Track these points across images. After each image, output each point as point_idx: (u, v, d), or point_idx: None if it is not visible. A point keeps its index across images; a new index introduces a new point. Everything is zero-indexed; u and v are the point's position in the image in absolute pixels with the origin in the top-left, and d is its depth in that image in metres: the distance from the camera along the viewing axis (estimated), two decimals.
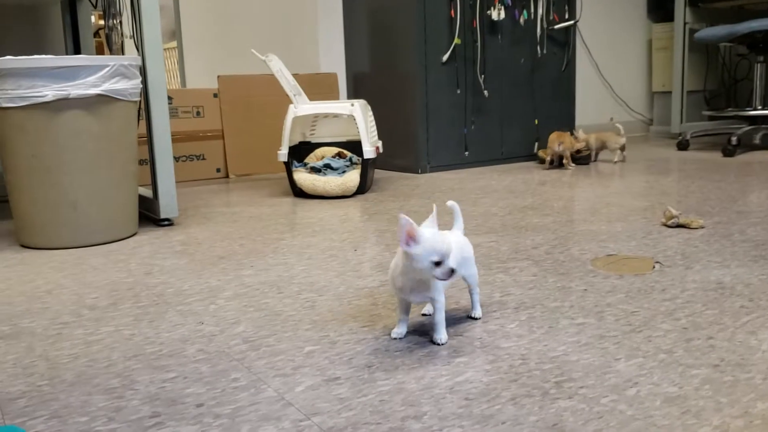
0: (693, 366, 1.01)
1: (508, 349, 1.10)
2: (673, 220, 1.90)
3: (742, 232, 1.81)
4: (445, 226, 1.22)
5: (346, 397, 0.96)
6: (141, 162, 2.17)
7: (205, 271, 1.63)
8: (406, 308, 1.18)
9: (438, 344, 1.12)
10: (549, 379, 0.99)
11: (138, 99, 2.04)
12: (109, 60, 1.89)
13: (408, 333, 1.18)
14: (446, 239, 1.08)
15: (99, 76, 1.86)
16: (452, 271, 1.07)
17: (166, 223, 2.18)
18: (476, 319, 1.24)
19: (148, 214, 2.23)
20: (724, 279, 1.42)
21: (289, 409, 0.93)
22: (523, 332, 1.18)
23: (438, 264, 1.07)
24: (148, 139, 2.12)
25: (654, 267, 1.54)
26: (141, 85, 2.03)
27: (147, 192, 2.24)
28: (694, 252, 1.64)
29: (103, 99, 1.89)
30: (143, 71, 2.06)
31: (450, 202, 1.25)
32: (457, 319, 1.25)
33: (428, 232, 1.07)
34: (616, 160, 3.37)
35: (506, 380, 0.99)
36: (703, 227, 1.88)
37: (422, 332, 1.19)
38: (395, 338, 1.16)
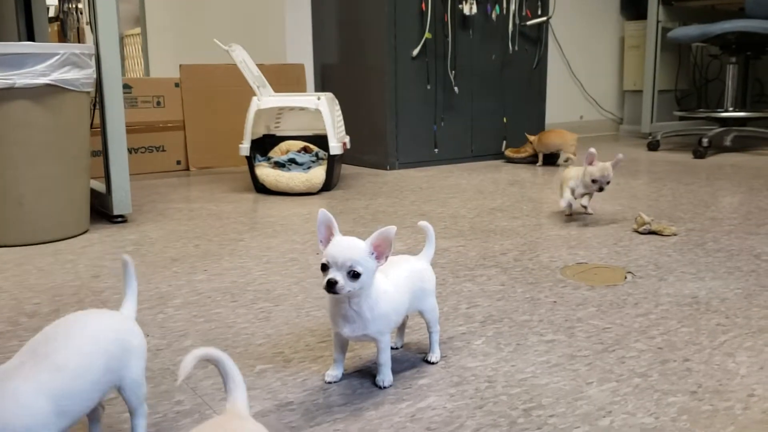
0: (669, 392, 0.95)
1: (473, 370, 1.04)
2: (645, 227, 1.85)
3: (715, 241, 1.77)
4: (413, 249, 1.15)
5: (298, 426, 0.88)
6: (95, 153, 2.06)
7: (156, 275, 1.54)
8: (340, 345, 1.01)
9: (380, 387, 0.98)
10: (517, 406, 0.92)
11: (91, 90, 1.93)
12: (59, 48, 1.78)
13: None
14: (352, 246, 0.90)
15: (48, 64, 1.75)
16: (330, 285, 0.88)
17: (119, 219, 2.07)
18: (432, 363, 1.06)
19: (101, 210, 2.12)
20: (699, 293, 1.37)
21: None
22: (490, 350, 1.11)
23: (324, 269, 0.90)
24: (102, 133, 2.01)
25: (626, 278, 1.49)
26: (94, 75, 1.92)
27: (100, 186, 2.13)
28: (667, 262, 1.59)
29: (52, 89, 1.78)
30: (97, 60, 1.95)
31: (422, 223, 1.12)
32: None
33: (345, 237, 0.93)
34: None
35: (471, 407, 0.92)
36: (675, 234, 1.84)
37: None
38: (329, 382, 1.00)
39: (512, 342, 1.14)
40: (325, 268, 0.90)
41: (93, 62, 1.91)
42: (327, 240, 0.93)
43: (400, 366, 1.05)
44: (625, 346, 1.12)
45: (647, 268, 1.54)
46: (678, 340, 1.14)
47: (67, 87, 1.80)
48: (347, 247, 0.90)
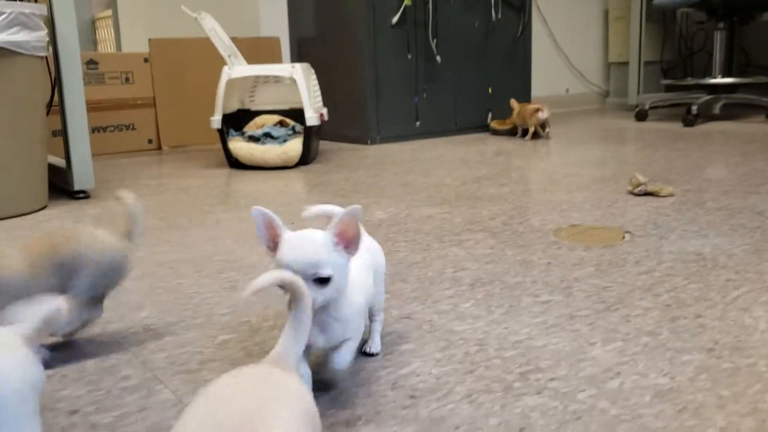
0: (683, 351, 0.84)
1: (462, 334, 0.92)
2: (640, 188, 1.75)
3: (715, 200, 1.67)
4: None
5: None
6: (57, 133, 1.92)
7: None
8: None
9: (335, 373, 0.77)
10: (512, 370, 0.81)
11: (44, 53, 1.80)
12: (5, 6, 1.64)
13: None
14: (311, 243, 0.71)
15: None
16: None
17: (81, 195, 1.94)
18: (372, 355, 0.87)
19: (62, 186, 1.99)
20: (703, 250, 1.27)
21: None
22: (480, 312, 1.00)
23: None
24: (59, 101, 1.87)
25: (624, 237, 1.38)
26: (47, 38, 1.79)
27: (60, 162, 2.00)
28: (667, 221, 1.49)
29: (0, 52, 1.64)
30: (52, 23, 1.81)
31: (320, 208, 0.88)
32: (404, 300, 1.07)
33: (297, 232, 0.73)
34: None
35: (460, 372, 0.81)
36: (672, 195, 1.73)
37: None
38: None
39: (504, 304, 1.03)
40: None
41: (45, 25, 1.77)
42: (274, 243, 0.73)
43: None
44: (629, 304, 1.01)
45: (646, 228, 1.44)
46: (687, 297, 1.03)
47: (16, 50, 1.66)
48: (304, 247, 0.70)
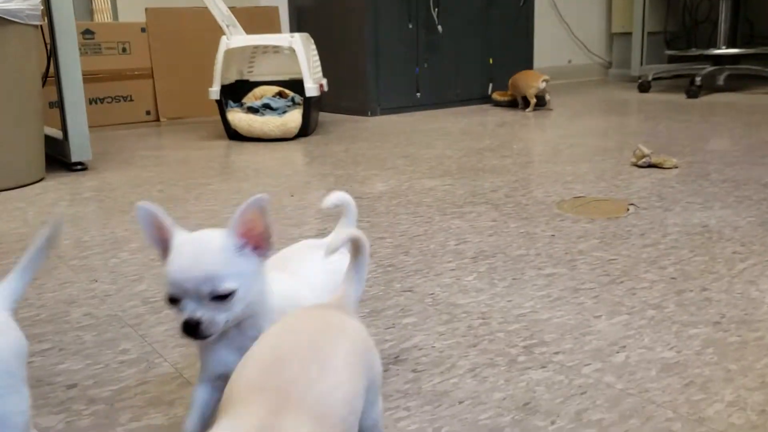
0: (689, 324, 0.83)
1: (465, 307, 0.91)
2: (644, 160, 1.73)
3: (719, 172, 1.65)
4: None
5: None
6: (52, 105, 1.90)
7: (113, 220, 1.40)
8: (199, 400, 0.60)
9: None
10: (516, 344, 0.80)
11: (39, 22, 1.76)
12: None
13: None
14: (202, 249, 0.56)
15: None
16: (189, 329, 0.54)
17: (78, 167, 1.92)
18: None
19: (60, 158, 1.97)
20: (708, 222, 1.25)
21: (186, 390, 0.72)
22: (483, 285, 0.98)
23: (173, 303, 0.56)
24: (55, 71, 1.84)
25: (628, 209, 1.37)
26: (41, 6, 1.75)
27: (57, 133, 1.97)
28: (671, 193, 1.47)
29: None
30: None
31: (334, 196, 0.72)
32: (406, 273, 1.05)
33: (189, 236, 0.58)
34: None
35: (464, 345, 0.80)
36: (677, 167, 1.71)
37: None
38: None
39: (507, 277, 1.02)
40: (173, 300, 0.55)
41: None
42: (165, 247, 0.57)
43: (381, 304, 0.92)
44: (634, 277, 1.00)
45: (650, 200, 1.42)
46: (692, 270, 1.01)
47: (9, 18, 1.63)
48: (194, 257, 0.55)
